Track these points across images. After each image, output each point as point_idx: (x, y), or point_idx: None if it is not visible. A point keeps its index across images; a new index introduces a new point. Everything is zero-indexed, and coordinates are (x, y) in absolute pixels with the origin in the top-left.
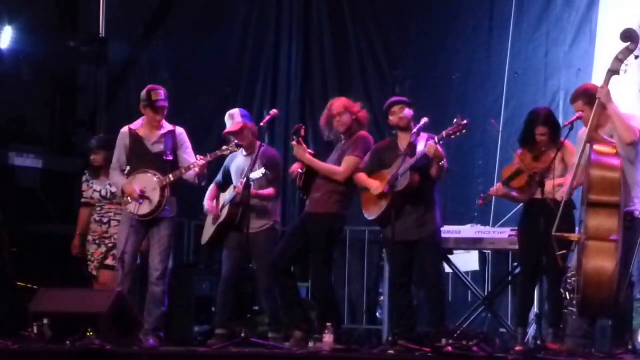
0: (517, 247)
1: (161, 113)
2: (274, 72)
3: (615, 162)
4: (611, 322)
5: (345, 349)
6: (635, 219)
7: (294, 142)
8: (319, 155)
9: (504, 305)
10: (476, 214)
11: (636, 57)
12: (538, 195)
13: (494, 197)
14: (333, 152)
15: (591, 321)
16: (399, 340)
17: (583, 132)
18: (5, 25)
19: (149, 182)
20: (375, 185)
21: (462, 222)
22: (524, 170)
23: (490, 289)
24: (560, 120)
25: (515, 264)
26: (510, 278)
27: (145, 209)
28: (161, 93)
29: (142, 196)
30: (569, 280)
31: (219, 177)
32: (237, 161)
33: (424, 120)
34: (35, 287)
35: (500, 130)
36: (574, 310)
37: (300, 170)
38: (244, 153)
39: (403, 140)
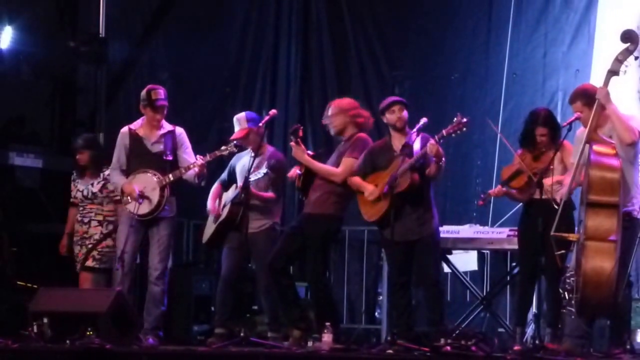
0: (515, 247)
1: (161, 113)
2: (273, 72)
3: (615, 162)
4: (609, 321)
5: (344, 348)
6: (633, 219)
7: (292, 143)
8: (319, 155)
9: (503, 305)
10: (475, 214)
11: (636, 58)
12: (537, 196)
13: (492, 197)
14: (333, 153)
15: (589, 321)
16: (398, 339)
17: (581, 132)
18: (5, 25)
19: (148, 182)
20: (370, 189)
21: (460, 222)
22: (523, 170)
23: (488, 289)
24: (559, 121)
25: (514, 263)
26: (508, 278)
27: (144, 208)
28: (161, 93)
29: (142, 196)
30: (567, 280)
31: (224, 175)
32: (243, 161)
33: (424, 120)
34: (35, 286)
35: (499, 129)
36: (572, 310)
37: (298, 172)
38: (252, 153)
39: (397, 141)
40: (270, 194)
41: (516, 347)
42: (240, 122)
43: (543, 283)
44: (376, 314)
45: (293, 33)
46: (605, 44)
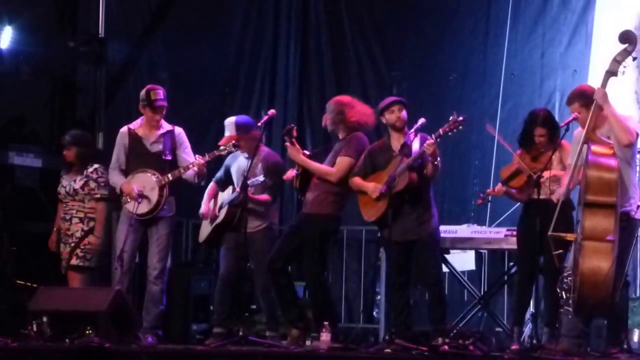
0: (513, 246)
1: (160, 112)
2: (272, 73)
3: (613, 162)
4: (606, 321)
5: (342, 347)
6: (630, 219)
7: (287, 143)
8: (317, 155)
9: (500, 304)
10: (472, 214)
11: (634, 59)
12: (535, 195)
13: (491, 197)
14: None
15: (586, 320)
16: (396, 339)
17: (578, 132)
18: (5, 25)
19: (147, 182)
20: (372, 187)
21: (458, 222)
22: (523, 170)
23: (486, 289)
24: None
25: (512, 263)
26: (506, 277)
27: (143, 208)
28: (160, 93)
29: (141, 195)
30: (565, 280)
31: (220, 174)
32: (239, 162)
33: (422, 120)
34: (34, 285)
35: (497, 131)
36: (570, 309)
37: (295, 172)
38: (246, 155)
39: (396, 141)
40: (265, 197)
41: (514, 347)
42: (229, 127)
43: (540, 282)
44: (374, 313)
45: (292, 33)
46: (603, 45)
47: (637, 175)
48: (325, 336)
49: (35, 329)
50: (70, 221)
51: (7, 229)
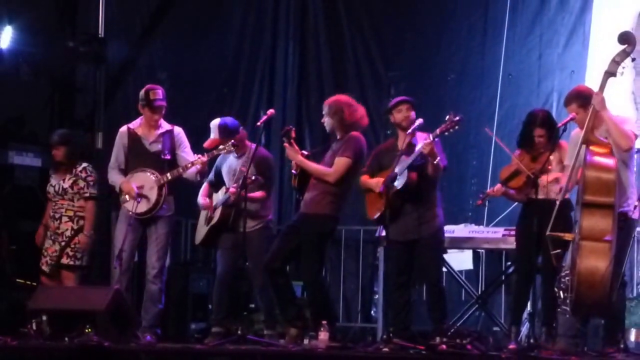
0: (510, 246)
1: (159, 112)
2: (270, 73)
3: (611, 163)
4: (603, 321)
5: (340, 346)
6: (628, 219)
7: (286, 144)
8: (315, 156)
9: (498, 303)
10: (470, 214)
11: (632, 60)
12: (533, 195)
13: (489, 197)
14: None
15: (584, 320)
16: (394, 338)
17: (576, 133)
18: (5, 25)
19: (146, 181)
20: (375, 183)
21: (456, 222)
22: (522, 170)
23: (483, 288)
24: None
25: (509, 263)
26: (503, 277)
27: (142, 207)
28: (159, 93)
29: (140, 194)
30: (562, 279)
31: (211, 176)
32: (229, 162)
33: (419, 121)
34: (33, 284)
35: (494, 131)
36: (567, 309)
37: (294, 172)
38: (235, 154)
39: (402, 141)
40: (260, 193)
41: (511, 346)
42: (213, 130)
43: (538, 282)
44: (372, 312)
45: (290, 34)
46: (600, 46)
47: (635, 175)
48: (323, 335)
49: (34, 327)
50: (60, 220)
51: (6, 228)
